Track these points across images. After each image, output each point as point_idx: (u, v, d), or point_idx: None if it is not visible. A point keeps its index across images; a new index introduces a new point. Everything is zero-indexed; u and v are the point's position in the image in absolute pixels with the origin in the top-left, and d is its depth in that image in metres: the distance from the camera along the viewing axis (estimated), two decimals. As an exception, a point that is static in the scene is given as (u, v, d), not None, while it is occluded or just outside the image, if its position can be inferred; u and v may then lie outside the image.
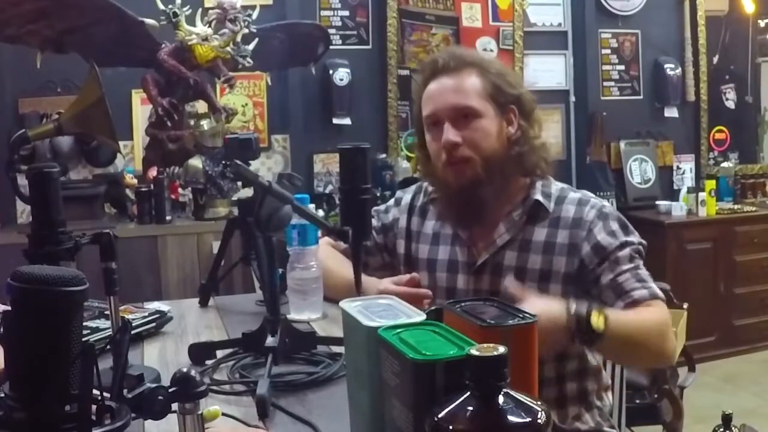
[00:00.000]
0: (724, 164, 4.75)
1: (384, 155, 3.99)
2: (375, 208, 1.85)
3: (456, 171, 1.60)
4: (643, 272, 1.55)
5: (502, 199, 1.63)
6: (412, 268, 1.76)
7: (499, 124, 1.60)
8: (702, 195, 4.29)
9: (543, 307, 1.32)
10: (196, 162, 3.16)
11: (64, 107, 2.55)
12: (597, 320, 1.36)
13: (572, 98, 4.48)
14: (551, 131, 4.34)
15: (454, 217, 1.68)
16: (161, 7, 3.04)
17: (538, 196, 1.62)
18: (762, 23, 4.81)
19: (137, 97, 3.60)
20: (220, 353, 1.41)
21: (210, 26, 3.08)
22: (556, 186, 1.66)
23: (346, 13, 4.04)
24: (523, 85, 1.69)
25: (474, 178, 1.58)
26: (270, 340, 1.30)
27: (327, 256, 1.77)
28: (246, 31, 3.08)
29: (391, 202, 1.85)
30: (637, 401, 2.62)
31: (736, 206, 4.53)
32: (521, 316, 0.89)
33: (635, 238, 1.58)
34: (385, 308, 0.98)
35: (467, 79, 1.60)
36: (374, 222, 1.80)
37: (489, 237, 1.64)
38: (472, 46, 4.19)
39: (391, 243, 1.81)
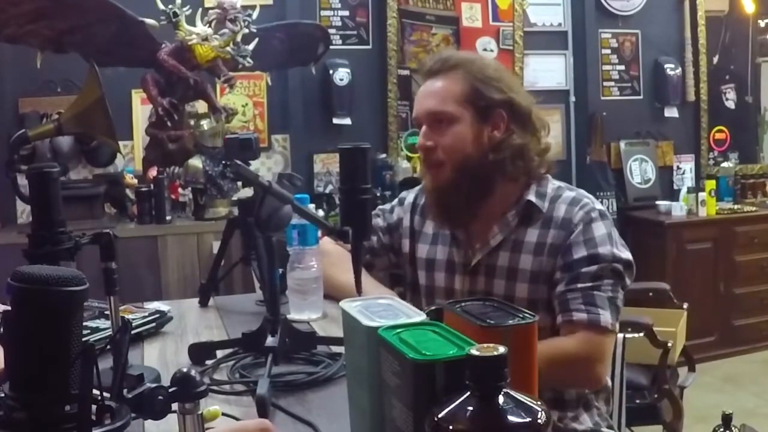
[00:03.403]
0: (724, 164, 4.75)
1: (384, 155, 3.99)
2: (380, 207, 1.87)
3: (431, 174, 1.64)
4: (601, 295, 1.50)
5: (494, 199, 1.62)
6: (414, 267, 1.77)
7: (478, 129, 1.59)
8: (702, 195, 4.28)
9: None
10: (196, 162, 3.15)
11: (64, 107, 2.55)
12: None
13: (572, 98, 4.48)
14: (551, 131, 4.33)
15: (432, 216, 1.71)
16: (161, 7, 3.04)
17: (531, 197, 1.61)
18: (762, 23, 4.80)
19: (137, 97, 3.60)
20: (220, 353, 1.41)
21: (210, 26, 3.08)
22: (552, 185, 1.66)
23: (346, 13, 4.04)
24: (519, 88, 1.68)
25: (445, 182, 1.60)
26: (270, 340, 1.30)
27: (330, 254, 1.77)
28: (246, 31, 3.08)
29: (395, 201, 1.87)
30: (637, 401, 2.62)
31: (736, 206, 4.53)
32: (521, 316, 0.89)
33: (612, 252, 1.53)
34: (385, 308, 0.98)
35: (448, 83, 1.60)
36: (380, 222, 1.81)
37: (484, 238, 1.64)
38: (471, 46, 4.20)
39: (397, 243, 1.81)
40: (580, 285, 1.51)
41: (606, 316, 1.50)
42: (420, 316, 0.93)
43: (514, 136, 1.59)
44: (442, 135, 1.59)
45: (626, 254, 1.56)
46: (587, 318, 1.49)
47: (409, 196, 1.83)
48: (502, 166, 1.59)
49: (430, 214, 1.73)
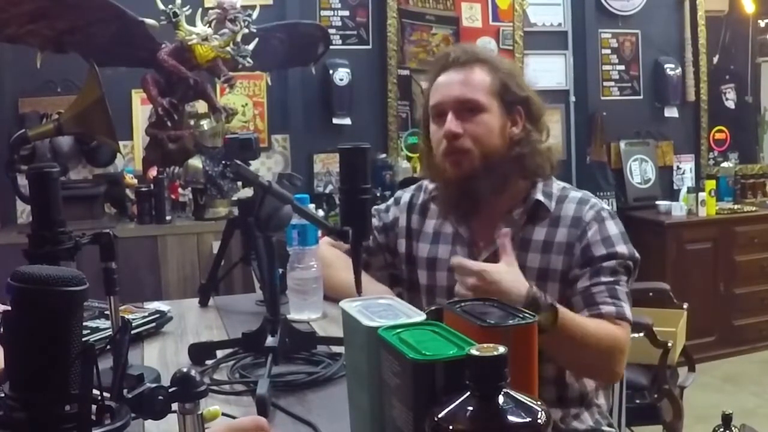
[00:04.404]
0: (724, 164, 4.75)
1: (384, 155, 3.99)
2: (375, 207, 1.85)
3: (453, 162, 1.61)
4: (621, 289, 1.54)
5: (502, 197, 1.63)
6: (413, 267, 1.77)
7: (503, 122, 1.61)
8: (702, 195, 4.29)
9: (510, 270, 1.42)
10: (196, 162, 3.15)
11: (64, 107, 2.55)
12: (545, 318, 1.35)
13: (572, 98, 4.48)
14: (551, 131, 4.33)
15: (450, 209, 1.69)
16: (161, 7, 3.04)
17: (539, 196, 1.62)
18: (762, 23, 4.80)
19: (137, 97, 3.60)
20: (220, 353, 1.41)
21: (210, 26, 3.08)
22: (557, 185, 1.67)
23: (346, 13, 4.04)
24: (532, 88, 1.69)
25: (470, 170, 1.59)
26: (270, 340, 1.30)
27: (327, 255, 1.77)
28: (246, 31, 3.08)
29: (391, 201, 1.86)
30: (637, 401, 2.63)
31: (736, 206, 4.53)
32: (521, 316, 0.89)
33: (627, 250, 1.57)
34: (385, 308, 0.98)
35: (476, 74, 1.61)
36: (375, 222, 1.80)
37: (489, 236, 1.64)
38: (472, 46, 4.19)
39: (392, 242, 1.81)
40: (603, 279, 1.53)
41: (627, 309, 1.54)
42: (420, 316, 0.93)
43: (533, 134, 1.62)
44: (471, 123, 1.59)
45: (635, 252, 1.59)
46: (615, 311, 1.52)
47: (405, 195, 1.83)
48: (521, 161, 1.60)
49: (442, 205, 1.71)
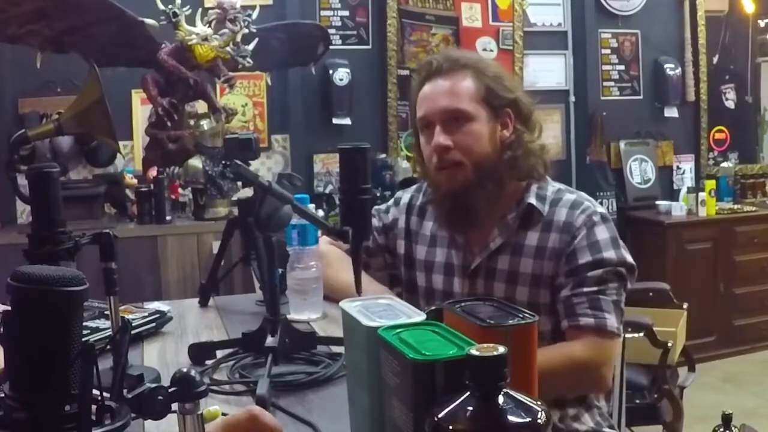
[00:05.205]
0: (724, 164, 4.76)
1: (384, 155, 3.99)
2: (376, 207, 1.85)
3: (447, 175, 1.59)
4: (606, 299, 1.50)
5: (497, 202, 1.61)
6: (412, 268, 1.76)
7: (492, 127, 1.59)
8: (702, 195, 4.29)
9: None
10: (196, 162, 3.15)
11: (64, 107, 2.55)
12: None
13: (572, 98, 4.48)
14: (551, 131, 4.34)
15: (446, 221, 1.67)
16: (161, 7, 3.04)
17: (532, 200, 1.60)
18: (762, 23, 4.80)
19: (137, 97, 3.60)
20: (220, 353, 1.41)
21: (210, 26, 3.08)
22: (552, 187, 1.65)
23: (346, 13, 4.04)
24: (521, 87, 1.68)
25: (465, 182, 1.58)
26: (270, 340, 1.30)
27: (327, 255, 1.77)
28: (246, 31, 3.08)
29: (391, 202, 1.85)
30: (637, 401, 2.63)
31: (736, 206, 4.53)
32: (521, 316, 0.89)
33: (616, 255, 1.53)
34: (385, 308, 0.98)
35: (461, 81, 1.58)
36: (376, 222, 1.79)
37: (483, 241, 1.63)
38: (471, 46, 4.20)
39: (392, 243, 1.80)
40: (585, 289, 1.50)
41: (612, 320, 1.49)
42: (420, 316, 0.93)
43: (524, 135, 1.60)
44: (459, 134, 1.57)
45: (629, 257, 1.56)
46: (594, 323, 1.49)
47: (405, 196, 1.82)
48: (515, 164, 1.59)
49: (438, 218, 1.70)
